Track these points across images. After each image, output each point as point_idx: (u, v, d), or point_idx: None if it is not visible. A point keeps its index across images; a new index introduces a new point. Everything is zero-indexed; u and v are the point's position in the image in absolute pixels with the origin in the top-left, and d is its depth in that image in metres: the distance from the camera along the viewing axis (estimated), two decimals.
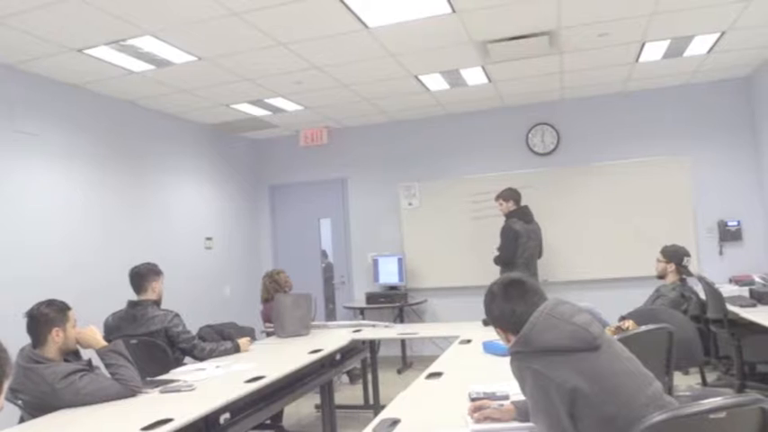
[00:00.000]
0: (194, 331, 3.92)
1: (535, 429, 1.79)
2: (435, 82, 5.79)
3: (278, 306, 4.53)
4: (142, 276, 3.83)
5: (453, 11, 4.03)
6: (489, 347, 3.30)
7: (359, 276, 7.51)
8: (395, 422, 2.14)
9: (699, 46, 5.12)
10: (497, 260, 5.55)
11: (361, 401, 5.11)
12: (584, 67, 5.61)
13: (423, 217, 7.21)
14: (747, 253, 6.22)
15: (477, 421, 2.04)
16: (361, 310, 6.81)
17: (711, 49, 5.21)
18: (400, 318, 6.87)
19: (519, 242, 5.44)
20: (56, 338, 2.66)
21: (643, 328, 2.74)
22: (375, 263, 7.16)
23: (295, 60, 4.84)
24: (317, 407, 4.90)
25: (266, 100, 6.03)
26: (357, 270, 7.55)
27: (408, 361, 6.78)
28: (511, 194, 5.71)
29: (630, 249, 6.31)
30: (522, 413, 1.98)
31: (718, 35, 4.88)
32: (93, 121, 5.26)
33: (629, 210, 6.47)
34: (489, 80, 5.83)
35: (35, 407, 2.51)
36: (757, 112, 6.14)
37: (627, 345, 1.81)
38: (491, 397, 2.27)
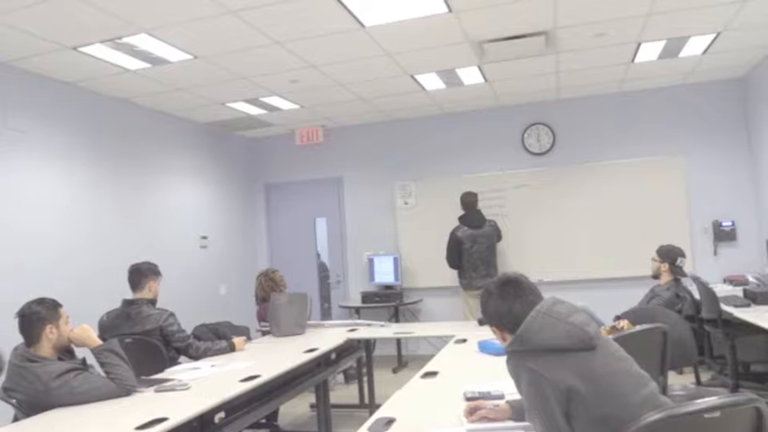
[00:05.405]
0: (189, 330, 3.91)
1: (530, 429, 1.79)
2: (431, 81, 5.79)
3: (273, 305, 4.52)
4: (141, 273, 3.82)
5: (450, 10, 4.03)
6: (485, 347, 3.30)
7: (354, 275, 7.51)
8: (390, 421, 2.14)
9: (694, 47, 5.14)
10: None
11: (356, 401, 5.11)
12: (580, 68, 5.62)
13: (418, 216, 7.21)
14: (742, 253, 6.24)
15: (473, 422, 2.04)
16: (357, 310, 6.81)
17: (707, 49, 5.23)
18: (396, 317, 6.87)
19: (462, 248, 6.05)
20: (49, 336, 2.65)
21: (638, 327, 2.75)
22: (370, 262, 7.16)
23: (291, 59, 4.83)
24: (312, 406, 4.90)
25: (262, 98, 6.01)
26: (352, 269, 7.54)
27: (404, 360, 6.78)
28: (461, 200, 6.22)
29: (625, 249, 6.33)
30: (517, 412, 1.98)
31: (713, 36, 4.90)
32: (87, 120, 5.24)
33: (624, 210, 6.49)
34: (485, 80, 5.83)
35: (29, 406, 2.49)
36: (752, 112, 6.17)
37: (622, 344, 1.81)
38: (486, 396, 2.28)
